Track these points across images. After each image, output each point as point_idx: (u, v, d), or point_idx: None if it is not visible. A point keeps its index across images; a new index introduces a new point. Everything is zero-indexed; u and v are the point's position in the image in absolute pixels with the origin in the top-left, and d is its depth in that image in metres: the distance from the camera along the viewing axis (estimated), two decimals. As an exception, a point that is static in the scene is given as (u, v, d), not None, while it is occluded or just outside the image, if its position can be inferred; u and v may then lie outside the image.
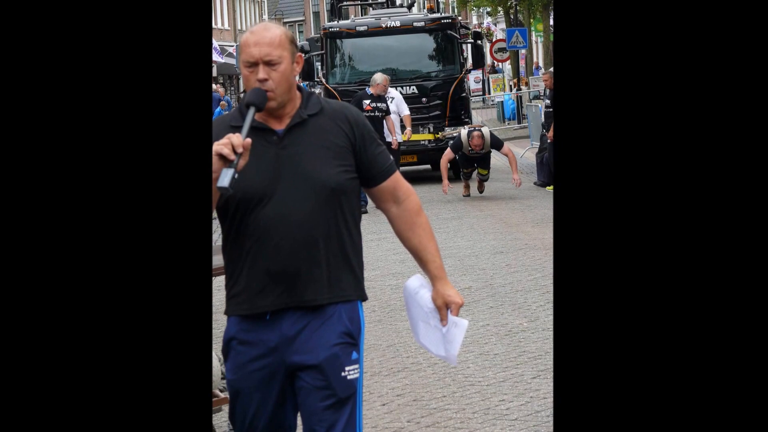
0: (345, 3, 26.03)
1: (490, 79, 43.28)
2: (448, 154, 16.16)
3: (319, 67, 20.63)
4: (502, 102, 35.23)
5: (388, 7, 24.63)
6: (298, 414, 3.67)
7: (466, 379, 6.69)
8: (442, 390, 6.50)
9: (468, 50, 22.76)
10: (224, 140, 3.34)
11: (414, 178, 19.00)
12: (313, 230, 3.53)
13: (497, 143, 16.21)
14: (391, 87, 16.99)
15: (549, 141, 16.74)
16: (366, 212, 14.08)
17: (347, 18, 25.37)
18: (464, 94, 20.42)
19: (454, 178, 17.27)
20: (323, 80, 20.07)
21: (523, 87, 34.37)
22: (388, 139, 15.99)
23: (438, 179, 16.92)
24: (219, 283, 3.90)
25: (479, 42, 22.00)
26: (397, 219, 3.71)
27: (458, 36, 20.34)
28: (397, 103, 16.97)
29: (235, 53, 44.33)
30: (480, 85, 43.71)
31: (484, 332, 7.90)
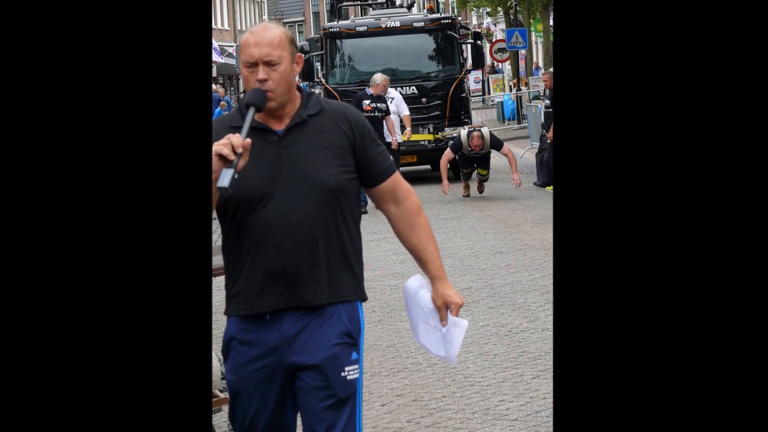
0: (345, 3, 26.02)
1: (490, 80, 43.29)
2: (447, 154, 16.16)
3: (319, 68, 20.63)
4: (501, 102, 35.23)
5: (387, 8, 24.63)
6: (298, 414, 3.67)
7: (465, 380, 6.69)
8: (441, 390, 6.50)
9: (468, 50, 22.77)
10: (224, 140, 3.34)
11: (414, 179, 19.00)
12: (312, 230, 3.53)
13: (497, 143, 16.21)
14: (390, 87, 16.99)
15: (549, 141, 16.74)
16: (366, 212, 14.08)
17: (347, 18, 25.37)
18: (464, 95, 20.42)
19: (453, 178, 17.28)
20: (323, 80, 20.07)
21: (522, 87, 34.38)
22: (388, 139, 15.99)
23: (438, 179, 16.92)
24: (219, 284, 3.90)
25: (479, 42, 21.99)
26: (396, 219, 3.71)
27: (458, 36, 20.34)
28: (396, 103, 16.98)
29: (234, 53, 44.36)
30: (480, 86, 43.72)
31: (484, 332, 7.90)
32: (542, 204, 15.26)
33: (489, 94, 43.13)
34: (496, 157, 18.57)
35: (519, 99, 32.44)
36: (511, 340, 7.66)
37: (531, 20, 38.67)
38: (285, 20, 69.38)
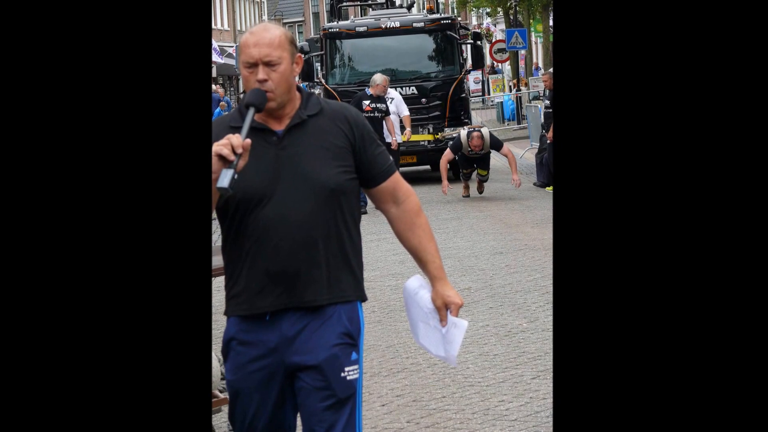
0: (345, 4, 26.02)
1: (490, 80, 43.29)
2: (447, 154, 16.16)
3: (319, 68, 20.63)
4: (501, 103, 35.23)
5: (387, 8, 24.63)
6: (298, 414, 3.67)
7: (465, 380, 6.69)
8: (441, 391, 6.50)
9: (467, 51, 22.77)
10: (224, 141, 3.34)
11: (413, 179, 19.00)
12: (312, 231, 3.53)
13: (497, 144, 16.21)
14: (390, 88, 17.00)
15: (548, 141, 16.74)
16: (366, 213, 14.08)
17: (347, 19, 25.36)
18: (464, 95, 20.41)
19: (453, 178, 17.27)
20: (323, 81, 20.07)
21: (522, 88, 34.38)
22: (388, 139, 15.99)
23: (437, 180, 16.92)
24: (219, 284, 3.90)
25: (479, 42, 21.99)
26: (396, 219, 3.71)
27: (458, 37, 20.34)
28: (396, 103, 16.98)
29: (234, 54, 44.35)
30: (479, 86, 43.70)
31: (484, 333, 7.90)
32: (542, 204, 15.26)
33: (489, 94, 43.13)
34: (495, 158, 18.57)
35: (519, 99, 32.44)
36: (510, 340, 7.66)
37: (531, 20, 38.67)
38: (285, 20, 69.37)
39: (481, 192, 16.92)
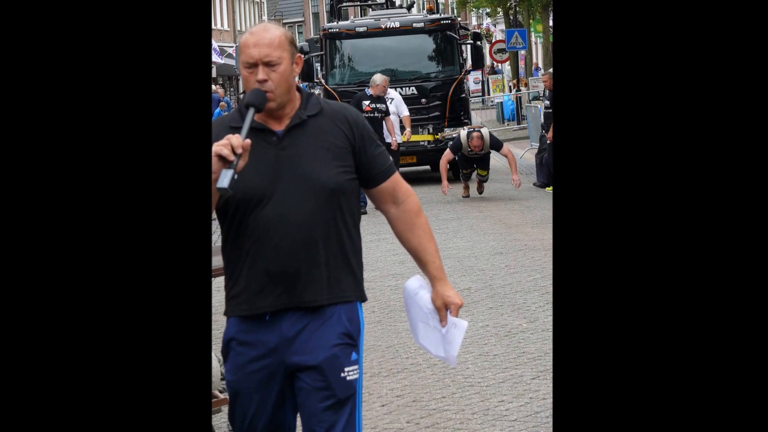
0: (344, 4, 26.03)
1: (490, 80, 43.27)
2: (447, 155, 16.16)
3: (319, 68, 20.63)
4: (501, 103, 35.23)
5: (387, 8, 24.63)
6: (298, 415, 3.67)
7: (465, 380, 6.69)
8: (441, 391, 6.50)
9: (467, 51, 22.76)
10: (224, 141, 3.34)
11: (413, 179, 18.99)
12: (312, 231, 3.53)
13: (497, 144, 16.21)
14: (390, 88, 17.00)
15: (548, 142, 16.74)
16: (366, 213, 14.08)
17: (347, 19, 25.37)
18: (464, 95, 20.41)
19: (453, 179, 17.26)
20: (323, 81, 20.07)
21: (522, 88, 34.38)
22: (388, 140, 15.99)
23: (437, 180, 16.92)
24: (218, 284, 3.90)
25: (479, 43, 21.99)
26: (396, 220, 3.71)
27: (458, 37, 20.34)
28: (396, 104, 16.98)
29: (234, 54, 44.35)
30: (479, 86, 43.69)
31: (484, 333, 7.90)
32: (542, 204, 15.26)
33: (489, 94, 43.12)
34: (495, 158, 18.56)
35: (518, 99, 32.44)
36: (510, 340, 7.66)
37: (530, 21, 38.67)
38: (284, 21, 69.38)
39: (480, 192, 16.92)
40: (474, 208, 15.73)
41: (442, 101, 19.67)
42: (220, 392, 5.59)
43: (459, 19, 28.45)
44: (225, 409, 5.55)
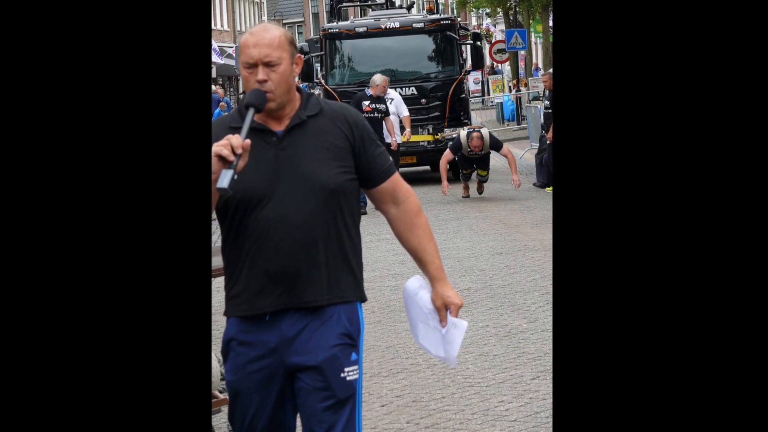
0: (344, 4, 26.02)
1: (490, 80, 43.28)
2: (447, 155, 16.16)
3: (319, 69, 20.63)
4: (501, 103, 35.23)
5: (387, 9, 24.62)
6: (298, 415, 3.67)
7: (465, 380, 6.69)
8: (441, 391, 6.50)
9: (467, 51, 22.75)
10: (223, 141, 3.34)
11: (413, 180, 18.99)
12: (312, 231, 3.53)
13: (496, 144, 16.21)
14: (390, 88, 17.00)
15: (548, 142, 16.74)
16: (365, 213, 14.08)
17: (346, 19, 25.37)
18: (463, 95, 20.41)
19: (453, 179, 17.27)
20: (322, 81, 20.07)
21: (522, 88, 34.38)
22: (388, 140, 15.99)
23: (437, 180, 16.92)
24: (218, 284, 3.90)
25: (478, 43, 21.99)
26: (396, 220, 3.71)
27: (457, 37, 20.34)
28: (396, 104, 16.97)
29: (234, 54, 44.34)
30: (479, 86, 43.70)
31: (484, 333, 7.90)
32: (542, 205, 15.26)
33: (488, 95, 43.12)
34: (495, 158, 18.56)
35: (518, 100, 32.44)
36: (510, 341, 7.66)
37: (530, 21, 38.67)
38: (284, 21, 69.37)
39: (480, 192, 16.92)
40: (474, 208, 15.73)
41: (441, 101, 19.67)
42: (220, 392, 5.59)
43: (459, 19, 28.46)
44: (225, 409, 5.55)
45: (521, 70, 38.39)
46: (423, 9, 40.06)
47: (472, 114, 24.78)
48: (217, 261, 3.77)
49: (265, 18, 64.96)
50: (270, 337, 3.57)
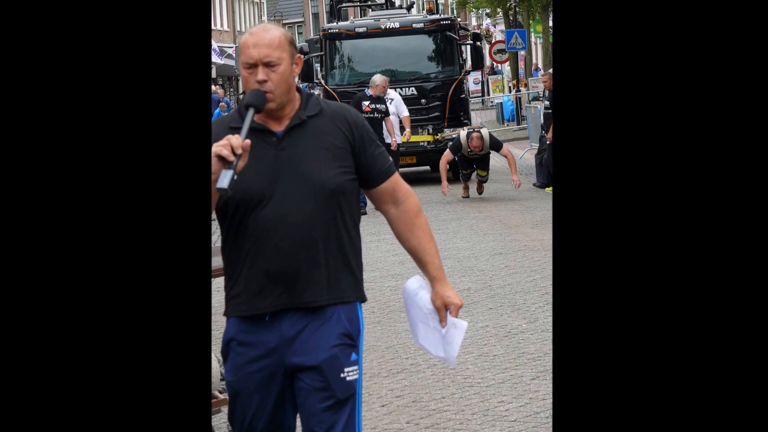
0: (344, 4, 26.02)
1: (490, 81, 43.29)
2: (447, 155, 16.16)
3: (318, 69, 20.62)
4: (501, 103, 35.23)
5: (387, 9, 24.62)
6: (298, 415, 3.67)
7: (465, 381, 6.69)
8: (441, 391, 6.50)
9: (467, 51, 22.75)
10: (223, 141, 3.34)
11: (413, 180, 18.98)
12: (312, 231, 3.53)
13: (496, 144, 16.21)
14: (390, 88, 17.00)
15: (548, 142, 16.74)
16: (365, 213, 14.08)
17: (346, 19, 25.36)
18: (463, 96, 20.41)
19: (453, 179, 17.27)
20: (322, 81, 20.07)
21: (522, 88, 34.38)
22: (387, 140, 15.98)
23: (437, 180, 16.92)
24: (218, 285, 3.90)
25: (478, 43, 21.98)
26: (396, 220, 3.71)
27: (457, 37, 20.34)
28: (396, 104, 16.98)
29: (234, 54, 44.34)
30: (479, 87, 43.71)
31: (484, 333, 7.90)
32: (541, 205, 15.26)
33: (488, 95, 43.13)
34: (495, 158, 18.56)
35: (518, 100, 32.44)
36: (510, 341, 7.66)
37: (530, 21, 38.67)
38: (284, 21, 69.37)
39: (480, 193, 16.92)
40: (474, 208, 15.73)
41: (441, 102, 19.67)
42: (220, 392, 5.58)
43: (459, 19, 28.46)
44: (225, 409, 5.55)
45: (521, 71, 38.39)
46: (423, 9, 40.06)
47: (472, 114, 24.77)
48: (217, 261, 3.77)
49: (264, 18, 64.97)
50: (270, 338, 3.57)
